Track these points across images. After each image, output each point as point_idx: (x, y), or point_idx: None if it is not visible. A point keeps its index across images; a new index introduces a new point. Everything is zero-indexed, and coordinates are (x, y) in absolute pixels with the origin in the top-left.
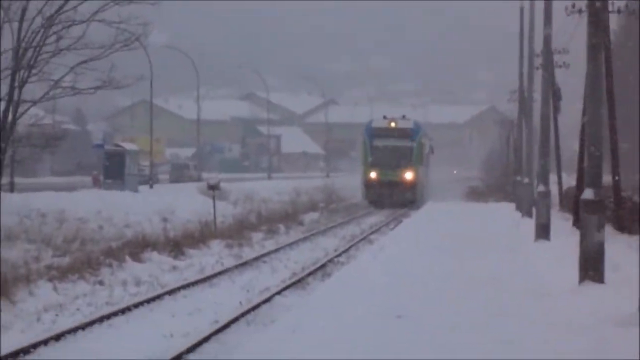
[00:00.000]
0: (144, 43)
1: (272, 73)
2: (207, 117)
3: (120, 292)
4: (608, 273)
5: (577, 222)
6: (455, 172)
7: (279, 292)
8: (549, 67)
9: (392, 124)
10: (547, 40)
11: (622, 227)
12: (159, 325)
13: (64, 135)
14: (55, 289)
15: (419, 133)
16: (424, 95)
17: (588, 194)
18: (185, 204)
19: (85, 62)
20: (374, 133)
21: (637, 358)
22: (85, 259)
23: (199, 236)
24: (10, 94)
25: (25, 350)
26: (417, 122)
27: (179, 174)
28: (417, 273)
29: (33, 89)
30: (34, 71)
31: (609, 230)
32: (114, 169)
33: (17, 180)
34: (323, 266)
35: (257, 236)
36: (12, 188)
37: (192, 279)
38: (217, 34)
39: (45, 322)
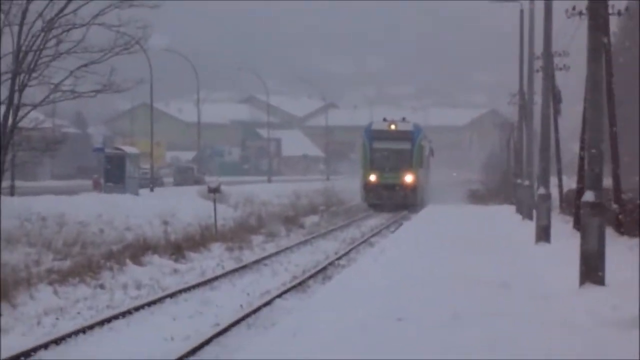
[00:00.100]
0: (144, 46)
1: (271, 75)
2: (207, 120)
3: (121, 296)
4: (608, 275)
5: (577, 225)
6: (454, 174)
7: (279, 295)
8: (549, 69)
9: (392, 127)
10: (547, 42)
11: (623, 230)
12: (160, 328)
13: (64, 139)
14: (55, 292)
15: (419, 135)
16: (423, 98)
17: (589, 196)
18: (186, 207)
19: (85, 65)
20: (373, 135)
21: None
22: (86, 262)
23: (200, 239)
24: (11, 97)
25: (26, 354)
26: (417, 124)
27: (183, 177)
28: (417, 276)
29: (33, 93)
30: (34, 75)
31: (609, 233)
32: (114, 173)
33: (18, 183)
34: (324, 269)
35: (257, 239)
36: (12, 192)
37: (193, 282)
38: (213, 34)
39: (46, 326)
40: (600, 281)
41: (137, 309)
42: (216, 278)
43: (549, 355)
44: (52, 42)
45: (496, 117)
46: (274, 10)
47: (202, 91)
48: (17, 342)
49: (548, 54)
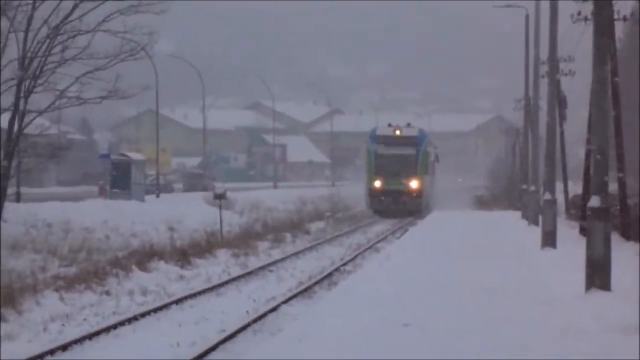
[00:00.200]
0: (150, 52)
1: (276, 81)
2: (212, 126)
3: (127, 302)
4: (614, 281)
5: (583, 230)
6: (460, 180)
7: (285, 301)
8: (554, 75)
9: (397, 132)
10: (553, 48)
11: (628, 235)
12: (166, 334)
13: (70, 145)
14: (61, 299)
15: (424, 141)
16: (428, 104)
17: (594, 201)
18: (191, 213)
19: (90, 72)
20: (378, 141)
21: None
22: (91, 268)
23: (206, 245)
24: (16, 104)
25: None
26: (422, 129)
27: (192, 183)
28: (423, 281)
29: (39, 99)
30: (39, 81)
31: (615, 238)
32: (120, 179)
33: (23, 190)
34: (329, 275)
35: (263, 245)
36: (18, 198)
37: (199, 288)
38: (218, 37)
39: (52, 332)
40: (605, 286)
41: (143, 315)
42: (222, 284)
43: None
44: (58, 48)
45: (501, 122)
46: (281, 10)
47: (208, 97)
48: (23, 349)
49: (554, 59)
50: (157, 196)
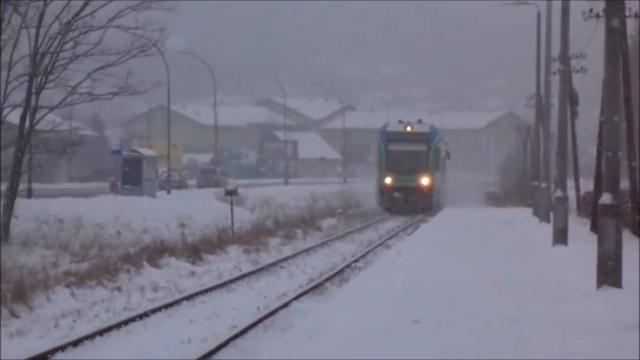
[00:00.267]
0: (161, 49)
1: (288, 78)
2: (224, 122)
3: (138, 298)
4: (625, 278)
5: (594, 227)
6: (469, 177)
7: (296, 298)
8: (566, 72)
9: (408, 128)
10: (565, 45)
11: None
12: (177, 330)
13: (81, 141)
14: (73, 294)
15: (435, 137)
16: (439, 102)
17: (606, 198)
18: (203, 209)
19: (102, 68)
20: (389, 137)
21: None
22: (103, 264)
23: (217, 241)
24: (28, 100)
25: (43, 356)
26: (433, 126)
27: (207, 179)
28: (434, 278)
29: (50, 95)
30: (51, 77)
31: (626, 235)
32: (131, 175)
33: (35, 186)
34: (341, 271)
35: (274, 241)
36: (29, 194)
37: (210, 285)
38: (230, 33)
39: (63, 328)
40: (617, 283)
41: (154, 311)
42: (233, 280)
43: (564, 356)
44: (69, 44)
45: (513, 119)
46: (292, 8)
47: (219, 93)
48: (34, 344)
49: (565, 57)
50: (168, 192)
